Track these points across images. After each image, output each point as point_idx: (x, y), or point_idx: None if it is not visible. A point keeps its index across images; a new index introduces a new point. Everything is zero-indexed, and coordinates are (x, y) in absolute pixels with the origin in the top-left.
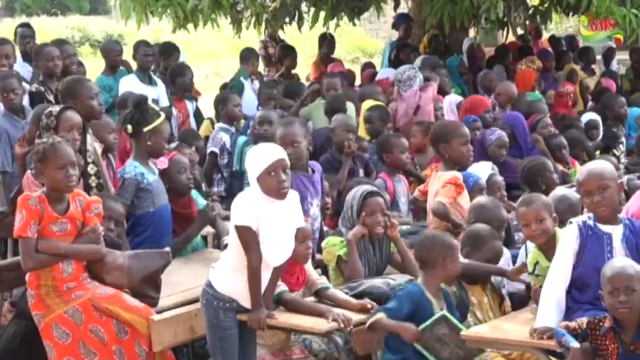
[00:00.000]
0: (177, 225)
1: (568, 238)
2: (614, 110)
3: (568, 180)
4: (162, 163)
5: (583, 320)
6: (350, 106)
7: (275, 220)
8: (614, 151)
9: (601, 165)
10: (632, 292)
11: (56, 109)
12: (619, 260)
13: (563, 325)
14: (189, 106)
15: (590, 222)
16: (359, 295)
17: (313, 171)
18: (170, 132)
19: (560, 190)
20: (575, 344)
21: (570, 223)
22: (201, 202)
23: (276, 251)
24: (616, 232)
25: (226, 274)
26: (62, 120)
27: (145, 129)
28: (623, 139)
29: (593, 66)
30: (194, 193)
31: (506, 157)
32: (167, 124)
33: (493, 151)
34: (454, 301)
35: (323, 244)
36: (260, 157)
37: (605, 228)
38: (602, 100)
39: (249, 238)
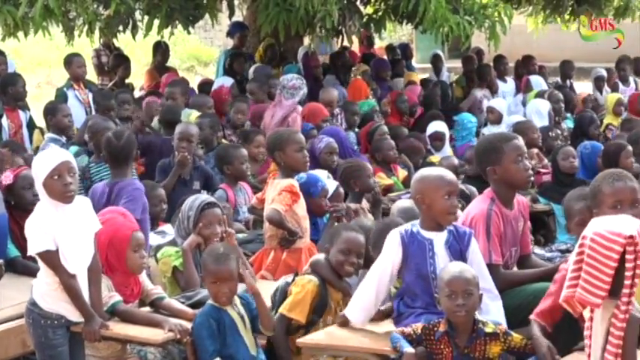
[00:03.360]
0: (22, 241)
1: (389, 245)
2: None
3: (393, 189)
4: (7, 178)
5: (418, 326)
6: (193, 114)
7: (68, 227)
8: None
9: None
10: (470, 295)
11: None
12: (456, 265)
13: (398, 331)
14: (23, 116)
15: (414, 229)
16: (195, 305)
17: None
18: None
19: (404, 202)
20: (409, 349)
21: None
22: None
23: (74, 258)
24: (438, 237)
25: (49, 292)
26: None
27: None
28: None
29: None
30: None
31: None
32: None
33: (324, 158)
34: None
35: (158, 254)
36: (44, 161)
37: (427, 234)
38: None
39: (52, 261)
